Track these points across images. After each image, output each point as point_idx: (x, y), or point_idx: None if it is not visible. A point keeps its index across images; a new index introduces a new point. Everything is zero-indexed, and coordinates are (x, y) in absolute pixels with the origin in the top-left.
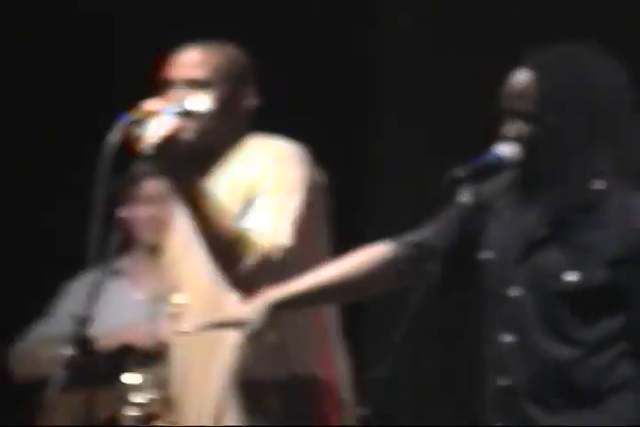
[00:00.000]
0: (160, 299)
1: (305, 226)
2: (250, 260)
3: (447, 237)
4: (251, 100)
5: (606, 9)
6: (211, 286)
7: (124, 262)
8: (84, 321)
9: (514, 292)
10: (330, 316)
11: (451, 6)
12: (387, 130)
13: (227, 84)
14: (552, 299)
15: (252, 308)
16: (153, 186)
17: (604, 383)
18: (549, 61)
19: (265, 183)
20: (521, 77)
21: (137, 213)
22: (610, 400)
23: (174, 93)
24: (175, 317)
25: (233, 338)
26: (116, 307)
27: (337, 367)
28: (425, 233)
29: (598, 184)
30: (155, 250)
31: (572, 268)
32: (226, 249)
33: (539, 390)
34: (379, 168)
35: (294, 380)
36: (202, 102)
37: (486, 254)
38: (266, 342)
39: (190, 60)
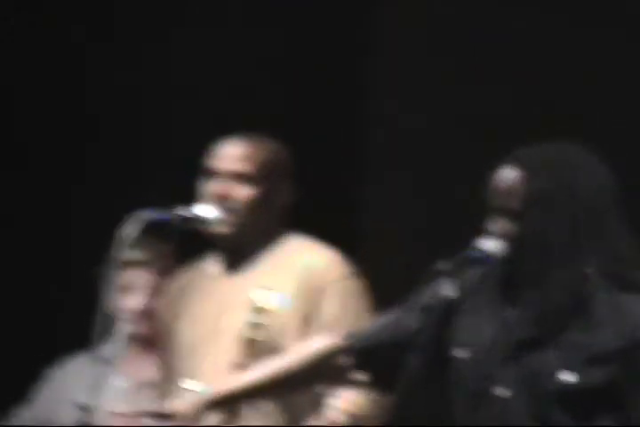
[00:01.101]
0: (144, 387)
1: None
2: None
3: (415, 331)
4: (289, 197)
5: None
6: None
7: (109, 349)
8: (88, 409)
9: (501, 391)
10: None
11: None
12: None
13: (268, 179)
14: (546, 399)
15: (188, 403)
16: (141, 275)
17: None
18: (537, 161)
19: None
20: (508, 175)
21: (123, 303)
22: None
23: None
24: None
25: None
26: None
27: None
28: (388, 326)
29: (583, 284)
30: (138, 339)
31: (568, 368)
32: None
33: None
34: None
35: None
36: (211, 210)
37: (462, 352)
38: None
39: (235, 153)
